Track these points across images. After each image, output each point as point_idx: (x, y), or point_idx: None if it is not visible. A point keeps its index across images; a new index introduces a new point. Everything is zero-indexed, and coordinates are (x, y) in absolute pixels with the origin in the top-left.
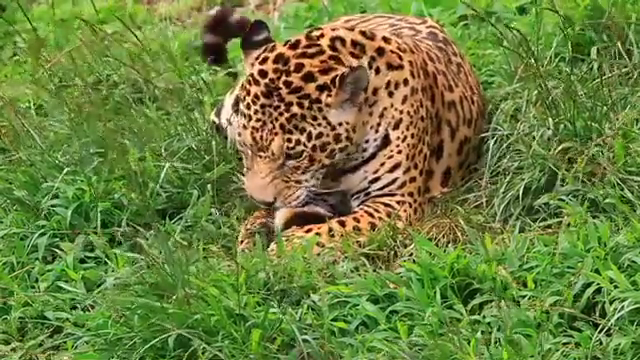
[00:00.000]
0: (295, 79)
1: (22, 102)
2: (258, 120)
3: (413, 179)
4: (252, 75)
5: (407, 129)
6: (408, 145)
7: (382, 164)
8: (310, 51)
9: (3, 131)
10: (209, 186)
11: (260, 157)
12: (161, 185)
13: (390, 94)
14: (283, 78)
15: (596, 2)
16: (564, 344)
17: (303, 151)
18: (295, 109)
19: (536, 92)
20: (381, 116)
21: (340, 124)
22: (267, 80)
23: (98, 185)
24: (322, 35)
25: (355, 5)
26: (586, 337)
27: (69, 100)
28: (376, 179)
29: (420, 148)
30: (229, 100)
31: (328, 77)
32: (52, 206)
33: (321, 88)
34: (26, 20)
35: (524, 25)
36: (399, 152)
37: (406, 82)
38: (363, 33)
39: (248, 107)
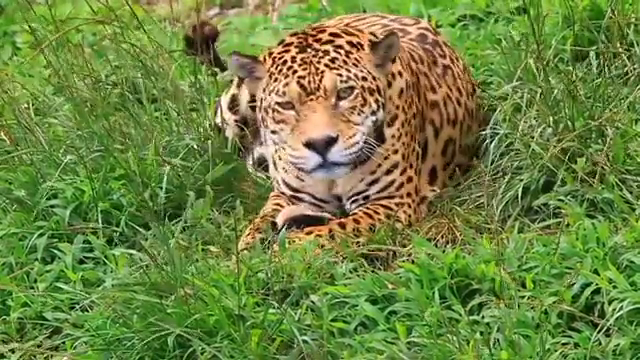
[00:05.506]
0: (324, 37)
1: (21, 102)
2: (304, 69)
3: (410, 179)
4: (276, 53)
5: (402, 126)
6: (403, 144)
7: (379, 165)
8: (320, 29)
9: (3, 131)
10: (208, 186)
11: (311, 101)
12: (160, 185)
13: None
14: (310, 40)
15: (595, 2)
16: (563, 344)
17: (354, 87)
18: (334, 54)
19: (540, 90)
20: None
21: (379, 79)
22: (297, 43)
23: (97, 184)
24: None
25: (354, 5)
26: (585, 337)
27: (73, 96)
28: (374, 181)
29: (413, 147)
30: (225, 100)
31: (354, 37)
32: (51, 206)
33: (351, 44)
34: (25, 20)
35: (523, 25)
36: (395, 152)
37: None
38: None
39: (289, 68)
